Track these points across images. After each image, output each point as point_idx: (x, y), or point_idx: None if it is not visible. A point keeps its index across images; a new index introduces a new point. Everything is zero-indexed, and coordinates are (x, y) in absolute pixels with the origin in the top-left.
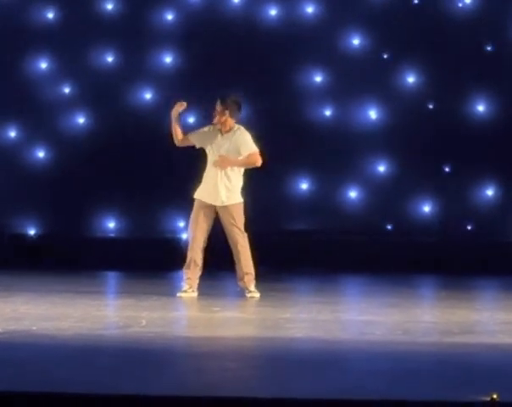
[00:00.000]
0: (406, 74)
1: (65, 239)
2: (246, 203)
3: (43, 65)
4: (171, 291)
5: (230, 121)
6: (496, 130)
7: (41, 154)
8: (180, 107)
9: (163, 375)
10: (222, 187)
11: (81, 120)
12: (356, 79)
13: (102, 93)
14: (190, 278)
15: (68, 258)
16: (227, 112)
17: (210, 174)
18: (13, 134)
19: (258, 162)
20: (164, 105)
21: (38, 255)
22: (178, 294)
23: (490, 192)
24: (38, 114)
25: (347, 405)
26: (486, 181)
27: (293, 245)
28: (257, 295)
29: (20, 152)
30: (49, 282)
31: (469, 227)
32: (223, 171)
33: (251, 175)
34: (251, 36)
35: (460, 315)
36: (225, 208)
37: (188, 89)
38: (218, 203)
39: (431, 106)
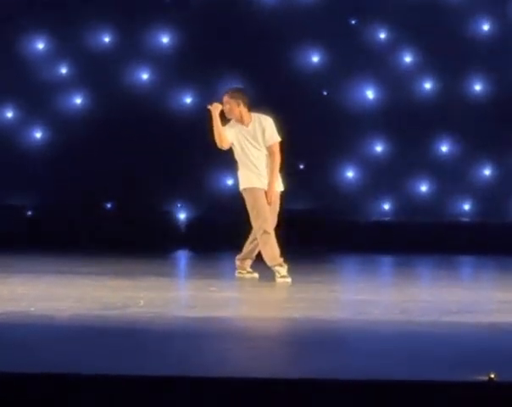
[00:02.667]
0: (403, 53)
1: (63, 218)
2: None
3: (40, 46)
4: (169, 271)
5: (247, 114)
6: (494, 109)
7: (38, 135)
8: (217, 109)
9: (161, 355)
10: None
11: (78, 101)
12: (353, 59)
13: (99, 74)
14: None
15: (66, 238)
16: (240, 102)
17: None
18: (10, 114)
19: (275, 155)
20: (161, 85)
21: (35, 235)
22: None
23: (487, 172)
24: (35, 95)
25: (344, 385)
26: (483, 161)
27: (290, 225)
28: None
29: (17, 132)
30: (47, 263)
31: (466, 207)
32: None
33: None
34: (249, 15)
35: (458, 295)
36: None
37: (185, 69)
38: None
39: (427, 85)
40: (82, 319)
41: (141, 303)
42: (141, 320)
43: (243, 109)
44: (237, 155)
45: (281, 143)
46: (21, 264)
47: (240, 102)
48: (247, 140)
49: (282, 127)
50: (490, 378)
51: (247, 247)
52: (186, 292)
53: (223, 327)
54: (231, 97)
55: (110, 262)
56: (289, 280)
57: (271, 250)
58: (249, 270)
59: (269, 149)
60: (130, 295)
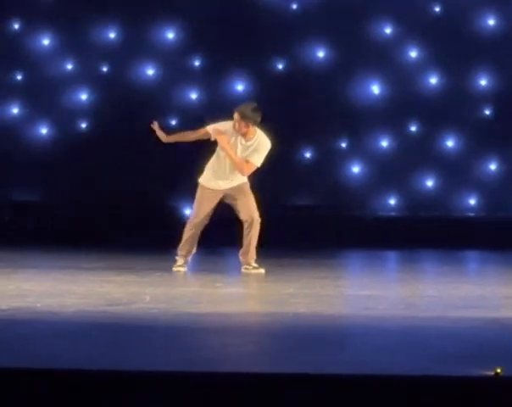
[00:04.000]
0: (409, 48)
1: (68, 214)
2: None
3: (46, 42)
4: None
5: (253, 130)
6: (499, 104)
7: (43, 131)
8: (159, 131)
9: (167, 351)
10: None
11: (84, 97)
12: (358, 54)
13: (104, 69)
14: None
15: (71, 233)
16: (250, 124)
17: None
18: (15, 110)
19: (244, 172)
20: (167, 81)
21: (41, 231)
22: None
23: (493, 167)
24: (41, 91)
25: (350, 380)
26: (489, 156)
27: (296, 220)
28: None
29: (23, 128)
30: (52, 258)
31: (472, 201)
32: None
33: None
34: (255, 11)
35: (463, 290)
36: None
37: (191, 65)
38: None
39: (433, 80)
40: (88, 315)
41: (147, 298)
42: (147, 315)
43: (251, 129)
44: (218, 153)
45: (283, 135)
46: (27, 260)
47: (250, 124)
48: (237, 149)
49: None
50: (496, 373)
51: (245, 240)
52: (191, 288)
53: (228, 323)
54: (242, 118)
55: (115, 258)
56: (176, 269)
57: (184, 240)
58: (255, 265)
59: (245, 162)
60: (135, 291)
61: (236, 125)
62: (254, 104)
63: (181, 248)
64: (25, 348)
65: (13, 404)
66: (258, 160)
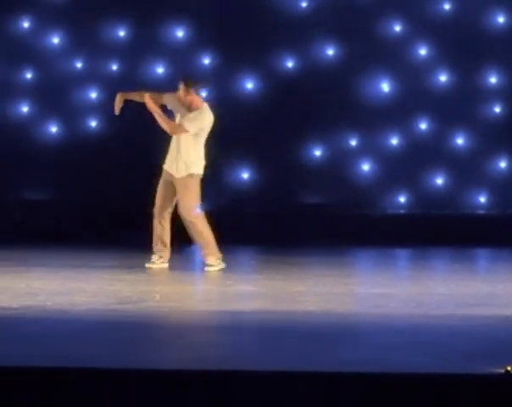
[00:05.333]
0: (418, 46)
1: (78, 212)
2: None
3: (55, 40)
4: (184, 265)
5: (197, 100)
6: (510, 101)
7: (53, 129)
8: (149, 99)
9: (178, 349)
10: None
11: (94, 95)
12: (368, 52)
13: (114, 68)
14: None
15: (81, 232)
16: (191, 91)
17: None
18: (25, 109)
19: (171, 130)
20: (177, 79)
21: (51, 230)
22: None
23: (503, 164)
24: (50, 90)
25: (361, 378)
26: (499, 153)
27: (306, 218)
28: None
29: (33, 127)
30: (62, 257)
31: (482, 199)
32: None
33: (263, 148)
34: (264, 7)
35: (474, 287)
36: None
37: (200, 63)
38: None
39: (442, 78)
40: (98, 313)
41: (158, 297)
42: (158, 314)
43: (196, 100)
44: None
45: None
46: (37, 259)
47: (192, 91)
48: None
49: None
50: (506, 370)
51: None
52: (201, 286)
53: (239, 321)
54: (185, 85)
55: (126, 256)
56: (148, 265)
57: (153, 234)
58: (212, 262)
59: (172, 122)
60: (145, 289)
61: (180, 92)
62: (200, 75)
63: (154, 243)
64: (36, 346)
65: (24, 402)
66: (189, 125)
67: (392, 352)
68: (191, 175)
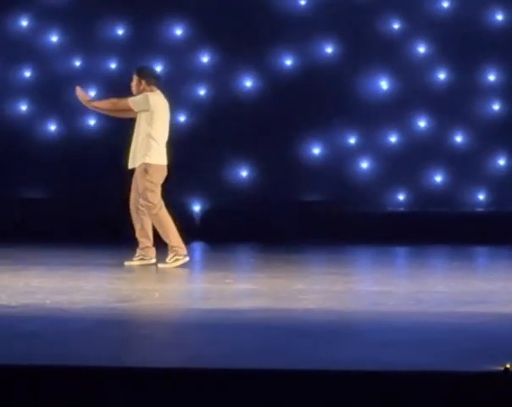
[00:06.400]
0: (417, 43)
1: (77, 211)
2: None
3: (54, 38)
4: (184, 263)
5: (148, 90)
6: (508, 99)
7: (52, 127)
8: (82, 95)
9: (177, 347)
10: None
11: (92, 93)
12: (367, 49)
13: (113, 66)
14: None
15: (80, 230)
16: (143, 82)
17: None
18: (24, 108)
19: (113, 106)
20: (175, 77)
21: (50, 228)
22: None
23: (502, 162)
24: (49, 88)
25: (360, 376)
26: (498, 151)
27: (305, 216)
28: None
29: (32, 126)
30: (61, 256)
31: (481, 197)
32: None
33: (262, 146)
34: (264, 6)
35: (473, 285)
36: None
37: (199, 61)
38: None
39: (441, 76)
40: (97, 311)
41: (157, 295)
42: (157, 312)
43: (146, 87)
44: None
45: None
46: (36, 257)
47: (143, 82)
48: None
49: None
50: (506, 368)
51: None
52: (201, 285)
53: (238, 319)
54: (137, 75)
55: (124, 254)
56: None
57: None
58: (171, 257)
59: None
60: (144, 287)
61: (133, 82)
62: (153, 67)
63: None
64: (34, 345)
65: (23, 400)
66: (131, 100)
67: (391, 350)
68: (147, 165)
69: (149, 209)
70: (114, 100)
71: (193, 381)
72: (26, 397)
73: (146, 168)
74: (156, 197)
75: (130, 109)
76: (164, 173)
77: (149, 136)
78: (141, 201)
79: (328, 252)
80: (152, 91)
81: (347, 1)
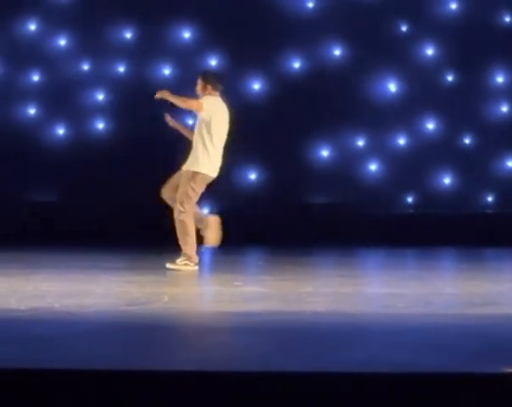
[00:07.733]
0: (425, 46)
1: (86, 214)
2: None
3: (62, 42)
4: (192, 271)
5: (213, 95)
6: None
7: (60, 131)
8: (163, 94)
9: (186, 350)
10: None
11: (100, 97)
12: (375, 52)
13: (120, 70)
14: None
15: (89, 234)
16: (209, 86)
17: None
18: (32, 111)
19: (193, 106)
20: (183, 80)
21: (59, 231)
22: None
23: (510, 164)
24: (57, 92)
25: (370, 378)
26: (506, 153)
27: (313, 218)
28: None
29: (40, 129)
30: (70, 259)
31: (489, 199)
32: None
33: (270, 149)
34: (271, 8)
35: (482, 287)
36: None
37: (206, 64)
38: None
39: (449, 78)
40: (107, 315)
41: (166, 298)
42: (166, 315)
43: (212, 92)
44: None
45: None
46: (45, 261)
47: (208, 86)
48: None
49: (303, 119)
50: None
51: None
52: (210, 287)
53: (248, 322)
54: (202, 79)
55: (134, 257)
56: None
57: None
58: (180, 261)
59: (189, 100)
60: (154, 291)
61: (198, 86)
62: (218, 72)
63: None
64: (44, 348)
65: (32, 404)
66: (201, 101)
67: (401, 352)
68: (196, 173)
69: (179, 213)
70: (184, 98)
71: (204, 385)
72: (35, 401)
73: (194, 175)
74: (190, 205)
75: (197, 110)
76: (208, 181)
77: (204, 143)
78: (177, 204)
79: (337, 254)
80: (215, 96)
81: (354, 3)
